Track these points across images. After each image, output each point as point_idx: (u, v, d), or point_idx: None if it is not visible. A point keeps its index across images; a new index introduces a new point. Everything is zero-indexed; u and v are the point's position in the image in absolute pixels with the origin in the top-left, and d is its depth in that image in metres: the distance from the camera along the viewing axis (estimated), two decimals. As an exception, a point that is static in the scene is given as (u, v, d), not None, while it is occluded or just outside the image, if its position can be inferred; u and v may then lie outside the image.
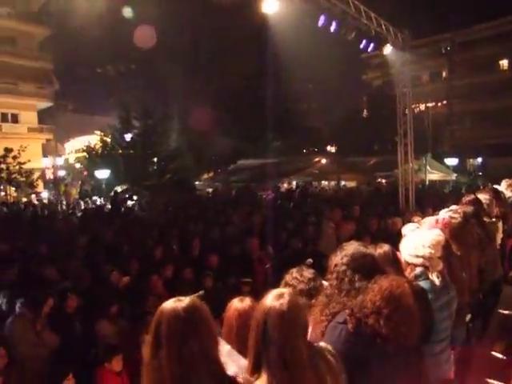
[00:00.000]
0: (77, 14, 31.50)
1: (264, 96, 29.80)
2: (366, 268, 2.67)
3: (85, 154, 32.29)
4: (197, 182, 30.31)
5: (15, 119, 39.40)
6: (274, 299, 2.03)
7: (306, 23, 10.61)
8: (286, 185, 29.70)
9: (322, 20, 9.92)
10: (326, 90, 41.89)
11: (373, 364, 2.38)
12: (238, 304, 2.69)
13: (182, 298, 2.01)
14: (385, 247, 3.26)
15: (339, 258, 2.73)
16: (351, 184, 29.17)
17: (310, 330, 2.33)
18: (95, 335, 5.43)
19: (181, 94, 32.68)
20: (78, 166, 36.50)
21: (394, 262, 3.19)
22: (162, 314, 1.95)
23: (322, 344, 2.24)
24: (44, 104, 41.15)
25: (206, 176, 34.96)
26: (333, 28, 10.16)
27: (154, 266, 7.19)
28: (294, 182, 29.86)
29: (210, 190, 27.04)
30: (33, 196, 29.17)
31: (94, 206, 20.41)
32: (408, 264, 3.30)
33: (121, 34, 34.91)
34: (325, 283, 2.93)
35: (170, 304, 1.97)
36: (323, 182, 30.90)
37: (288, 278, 3.06)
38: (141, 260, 7.27)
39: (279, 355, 1.91)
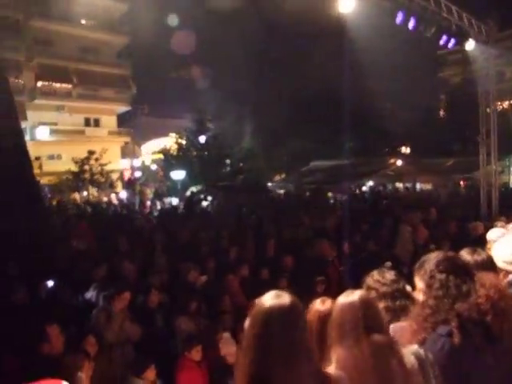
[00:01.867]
0: (152, 21, 32.74)
1: (338, 97, 29.40)
2: (464, 272, 2.57)
3: (160, 155, 33.46)
4: (269, 184, 30.47)
5: (97, 123, 41.48)
6: (346, 297, 2.21)
7: (380, 22, 10.36)
8: (360, 186, 29.18)
9: (399, 17, 9.62)
10: (400, 88, 40.60)
11: (475, 378, 2.29)
12: (319, 306, 2.69)
13: (281, 293, 2.00)
14: (483, 254, 3.11)
15: (434, 266, 2.63)
16: (427, 186, 28.10)
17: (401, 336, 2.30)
18: (175, 330, 5.60)
19: (254, 95, 32.95)
20: (153, 167, 37.85)
21: (491, 269, 3.03)
22: (262, 310, 1.94)
23: (414, 347, 2.19)
24: (122, 108, 43.07)
25: (278, 177, 35.04)
26: (411, 25, 9.81)
27: (230, 266, 7.30)
28: (368, 184, 29.22)
29: (282, 191, 27.08)
30: (112, 196, 30.60)
31: (169, 206, 21.05)
32: (500, 270, 3.13)
33: (196, 39, 35.93)
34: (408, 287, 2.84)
35: (270, 300, 1.96)
36: (397, 184, 30.03)
37: (369, 280, 3.00)
38: (217, 260, 7.40)
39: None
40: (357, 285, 2.95)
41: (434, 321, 2.46)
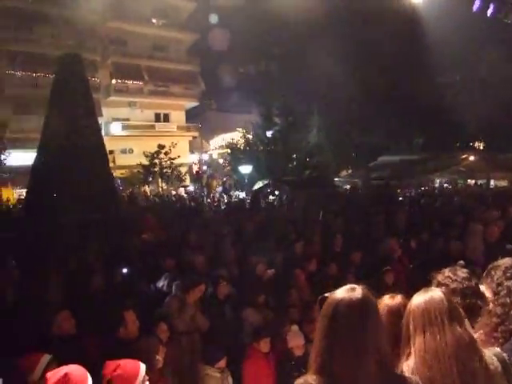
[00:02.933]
0: (220, 18, 33.27)
1: (408, 90, 28.48)
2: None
3: (227, 150, 33.93)
4: (336, 179, 30.10)
5: (166, 118, 42.76)
6: (421, 295, 2.18)
7: (455, 10, 9.94)
8: (430, 182, 28.17)
9: (477, 4, 9.20)
10: (473, 80, 38.66)
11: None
12: (388, 301, 2.66)
13: (355, 286, 1.99)
14: None
15: (501, 273, 2.52)
16: (502, 183, 26.65)
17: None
18: (242, 321, 5.69)
19: (322, 89, 32.55)
20: (220, 161, 38.43)
21: None
22: (332, 302, 1.94)
23: (496, 349, 2.11)
24: (191, 104, 44.08)
25: (345, 172, 34.54)
26: (490, 11, 9.36)
27: (297, 260, 7.31)
28: (438, 180, 28.14)
29: (349, 186, 26.68)
30: (181, 189, 31.43)
31: (237, 199, 21.32)
32: None
33: (261, 34, 36.05)
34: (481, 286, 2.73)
35: (342, 292, 1.96)
36: (470, 180, 28.70)
37: (440, 277, 2.91)
38: (284, 254, 7.44)
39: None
40: (425, 283, 2.88)
41: (504, 330, 2.35)
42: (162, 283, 6.26)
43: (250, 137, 31.77)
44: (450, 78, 34.62)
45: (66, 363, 3.49)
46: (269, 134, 30.57)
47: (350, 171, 34.50)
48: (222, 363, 4.73)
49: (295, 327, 5.14)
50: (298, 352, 4.93)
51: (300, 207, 14.48)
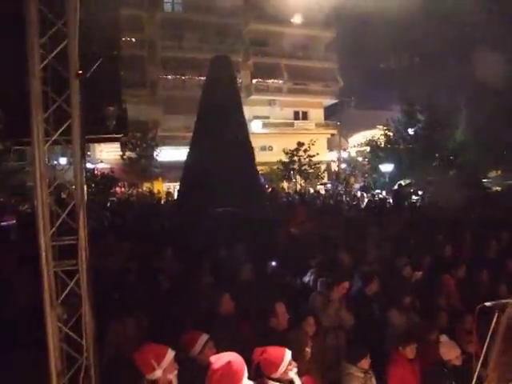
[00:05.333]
0: (360, 13, 32.60)
1: None
2: None
3: (367, 148, 33.28)
4: (484, 180, 27.89)
5: (305, 116, 43.21)
6: None
7: None
8: None
9: None
10: None
11: None
12: None
13: None
14: None
15: None
16: None
17: None
18: (387, 322, 5.59)
19: (470, 84, 30.39)
20: (359, 159, 37.83)
21: None
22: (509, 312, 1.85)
23: None
24: (329, 101, 43.99)
25: (494, 173, 31.88)
26: None
27: (446, 265, 6.97)
28: None
29: (498, 188, 24.57)
30: (320, 186, 31.58)
31: (377, 198, 20.86)
32: None
33: (404, 28, 34.67)
34: None
35: None
36: None
37: None
38: (433, 257, 7.14)
39: None
40: None
41: None
42: (307, 278, 6.40)
43: (391, 134, 30.79)
44: None
45: (222, 343, 3.79)
46: (411, 131, 29.38)
47: (499, 172, 31.75)
48: (365, 363, 4.66)
49: (445, 337, 4.91)
50: (457, 362, 4.71)
51: (446, 209, 13.69)
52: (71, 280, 3.60)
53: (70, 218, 3.57)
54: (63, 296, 3.55)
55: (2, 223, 11.77)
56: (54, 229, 3.48)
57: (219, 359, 3.28)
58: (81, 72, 3.42)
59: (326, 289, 5.62)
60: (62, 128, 3.46)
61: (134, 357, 3.32)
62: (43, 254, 3.46)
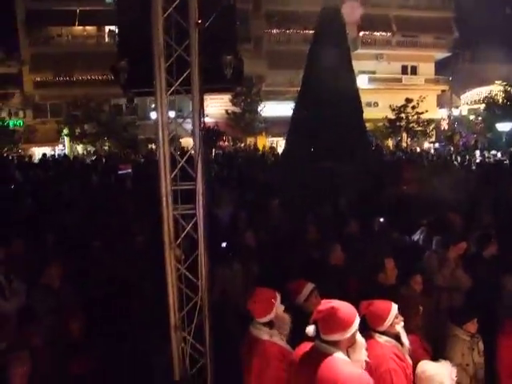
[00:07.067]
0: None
1: None
2: None
3: (481, 105, 31.00)
4: None
5: (414, 71, 40.93)
6: None
7: None
8: None
9: None
10: None
11: None
12: None
13: None
14: None
15: None
16: None
17: None
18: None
19: None
20: (471, 117, 35.34)
21: None
22: None
23: None
24: (441, 54, 41.25)
25: None
26: None
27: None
28: None
29: None
30: (428, 145, 30.14)
31: (492, 159, 19.51)
32: None
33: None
34: None
35: None
36: None
37: None
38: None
39: None
40: None
41: None
42: (417, 237, 6.22)
43: (512, 90, 28.29)
44: None
45: (327, 292, 3.81)
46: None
47: None
48: (471, 327, 4.39)
49: None
50: None
51: None
52: (188, 224, 3.82)
53: (189, 164, 3.74)
54: (180, 239, 3.77)
55: (119, 172, 12.94)
56: (173, 174, 3.67)
57: (325, 303, 3.18)
58: (200, 21, 3.49)
59: (442, 248, 5.41)
60: (183, 77, 3.58)
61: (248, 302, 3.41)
62: (163, 198, 3.69)
